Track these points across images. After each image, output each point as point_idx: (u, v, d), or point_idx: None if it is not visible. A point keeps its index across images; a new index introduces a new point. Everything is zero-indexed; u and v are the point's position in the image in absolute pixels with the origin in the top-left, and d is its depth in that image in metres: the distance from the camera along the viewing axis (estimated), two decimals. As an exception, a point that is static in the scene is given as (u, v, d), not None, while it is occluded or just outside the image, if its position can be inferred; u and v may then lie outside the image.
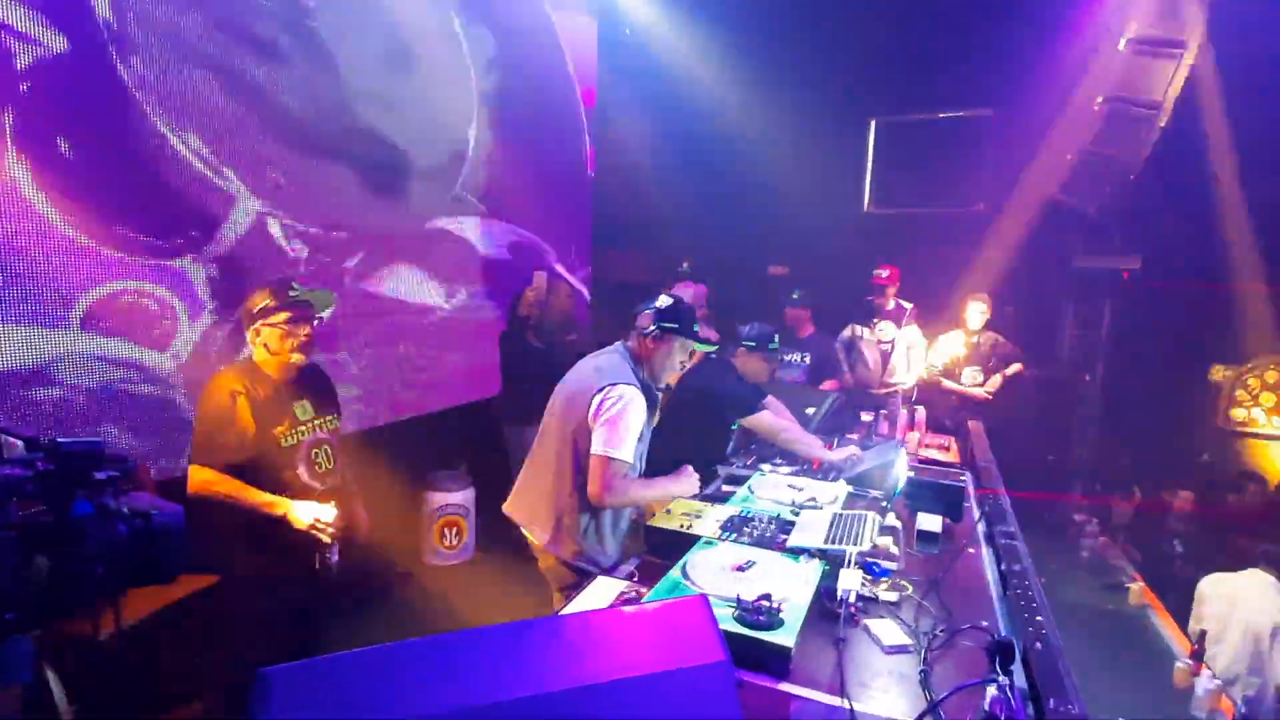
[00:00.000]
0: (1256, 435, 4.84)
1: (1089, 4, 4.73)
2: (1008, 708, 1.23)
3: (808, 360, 4.53)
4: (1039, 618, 1.53)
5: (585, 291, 5.56)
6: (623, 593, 1.73)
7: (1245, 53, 3.98)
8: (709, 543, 1.89)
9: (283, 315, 2.02)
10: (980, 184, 5.77)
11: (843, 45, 5.73)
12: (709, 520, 2.08)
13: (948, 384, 4.71)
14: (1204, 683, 2.82)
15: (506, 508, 2.25)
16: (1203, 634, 2.86)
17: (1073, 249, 5.12)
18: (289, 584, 2.06)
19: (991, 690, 1.25)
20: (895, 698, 1.37)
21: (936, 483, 2.30)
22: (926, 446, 3.45)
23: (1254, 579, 2.88)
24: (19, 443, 0.81)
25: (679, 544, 1.92)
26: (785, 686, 1.38)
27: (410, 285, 3.75)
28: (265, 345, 2.04)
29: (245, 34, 2.71)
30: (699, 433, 2.75)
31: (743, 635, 1.42)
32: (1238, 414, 5.02)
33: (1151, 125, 4.28)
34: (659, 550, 1.99)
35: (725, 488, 2.59)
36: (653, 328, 2.12)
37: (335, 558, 2.11)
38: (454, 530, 3.89)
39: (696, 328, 2.18)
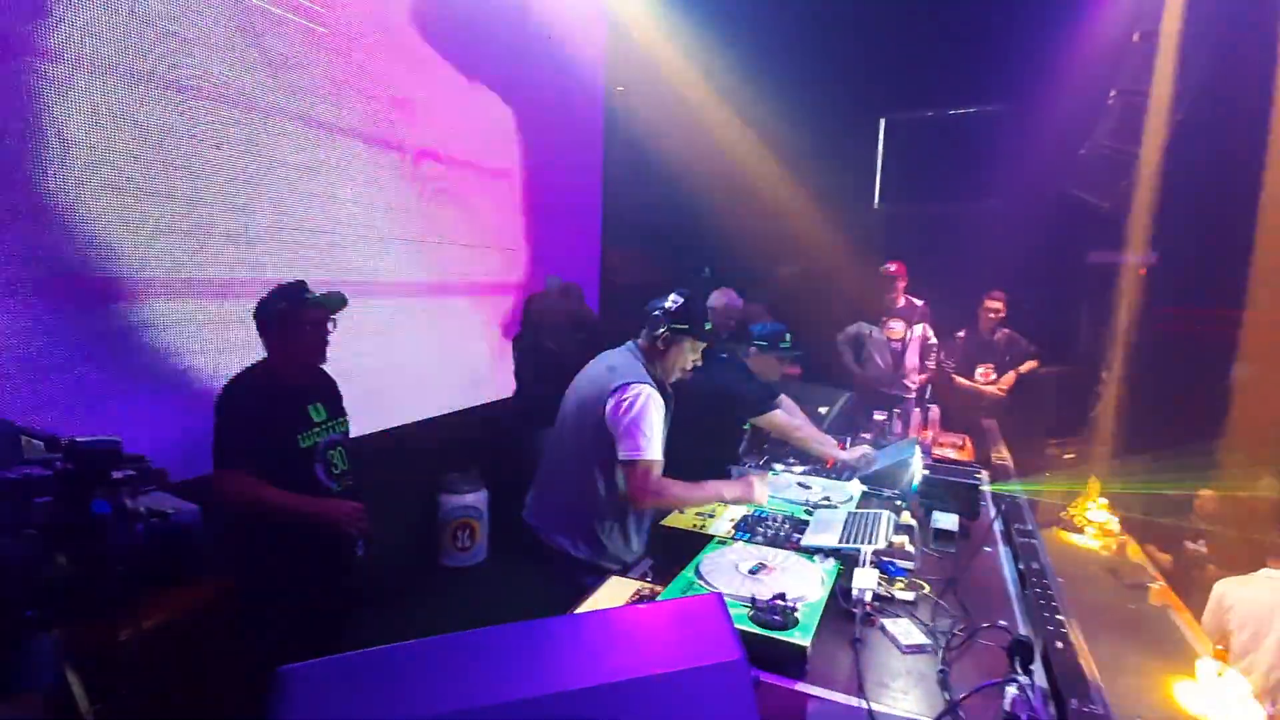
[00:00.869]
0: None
1: (1102, -4, 4.68)
2: (1029, 708, 1.21)
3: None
4: (1059, 616, 1.51)
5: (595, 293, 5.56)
6: (637, 592, 1.72)
7: (1265, 43, 3.91)
8: (722, 542, 1.88)
9: (299, 318, 2.04)
10: (992, 180, 5.71)
11: (852, 41, 5.70)
12: (722, 520, 2.07)
13: (961, 381, 4.66)
14: (1229, 684, 2.76)
15: (526, 513, 2.25)
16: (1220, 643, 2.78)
17: (1087, 244, 5.06)
18: (312, 585, 2.08)
19: (1012, 690, 1.24)
20: (914, 698, 1.35)
21: (952, 480, 2.27)
22: (941, 445, 3.41)
23: (1276, 579, 2.81)
24: (39, 442, 0.81)
25: (692, 544, 1.91)
26: (802, 686, 1.37)
27: (424, 285, 3.77)
28: (281, 348, 2.05)
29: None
30: (711, 432, 2.74)
31: (758, 635, 1.41)
32: (1255, 411, 4.92)
33: (1166, 119, 4.22)
34: (672, 550, 1.98)
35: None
36: (663, 328, 2.12)
37: (362, 551, 2.15)
38: (467, 532, 3.90)
39: (708, 326, 2.17)
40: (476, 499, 3.94)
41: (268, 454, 1.97)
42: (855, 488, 2.43)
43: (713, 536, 1.93)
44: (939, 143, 6.07)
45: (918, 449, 2.48)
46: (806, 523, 2.05)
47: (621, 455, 1.95)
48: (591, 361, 2.24)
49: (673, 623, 1.04)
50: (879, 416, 3.70)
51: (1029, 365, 4.58)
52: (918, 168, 6.11)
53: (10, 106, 1.98)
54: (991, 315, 4.61)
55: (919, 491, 2.27)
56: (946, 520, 2.10)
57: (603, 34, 5.49)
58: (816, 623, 1.47)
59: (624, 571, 1.90)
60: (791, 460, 2.84)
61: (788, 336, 2.89)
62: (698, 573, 1.68)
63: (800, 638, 1.39)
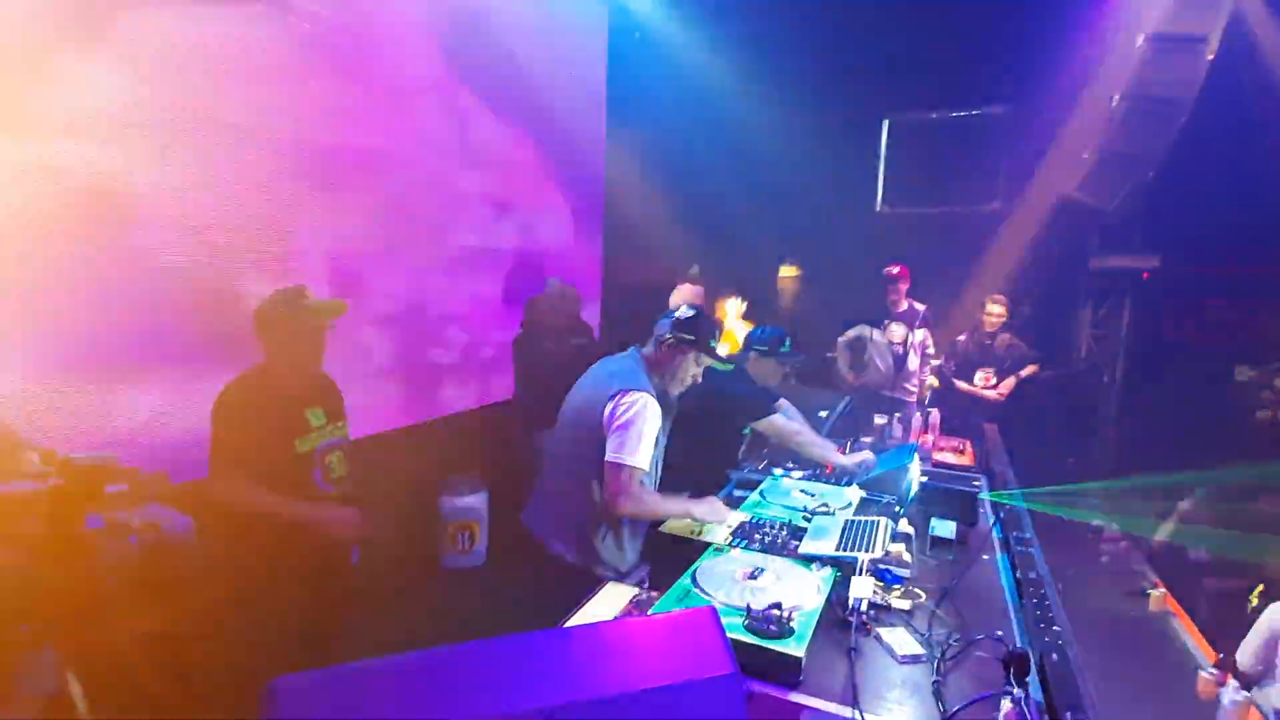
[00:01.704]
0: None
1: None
2: (1024, 719, 1.21)
3: None
4: (1055, 627, 1.50)
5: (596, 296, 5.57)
6: (634, 598, 1.72)
7: (1268, 47, 3.90)
8: (719, 549, 1.88)
9: (299, 322, 2.04)
10: (995, 182, 5.71)
11: (855, 43, 5.69)
12: (719, 526, 2.07)
13: (961, 385, 4.66)
14: (1230, 694, 2.75)
15: (525, 517, 2.25)
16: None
17: (1090, 248, 5.04)
18: (308, 589, 2.08)
19: (1006, 703, 1.24)
20: (909, 709, 1.35)
21: (950, 488, 2.27)
22: (941, 449, 3.41)
23: None
24: (35, 456, 0.82)
25: (689, 550, 1.91)
26: (796, 696, 1.37)
27: (426, 289, 3.78)
28: (281, 352, 2.06)
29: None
30: (711, 437, 2.74)
31: (753, 645, 1.41)
32: (1263, 415, 4.90)
33: (1169, 122, 4.20)
34: (669, 556, 1.98)
35: (737, 492, 2.58)
36: (669, 336, 2.11)
37: (356, 558, 2.16)
38: (467, 534, 3.90)
39: (714, 343, 2.16)
40: (477, 501, 3.94)
41: (264, 458, 1.97)
42: (854, 494, 2.42)
43: (710, 543, 1.93)
44: (942, 145, 6.05)
45: (916, 456, 2.47)
46: (804, 529, 2.05)
47: (608, 457, 1.95)
48: (594, 366, 2.24)
49: (666, 635, 1.04)
50: (879, 420, 3.69)
51: (1029, 369, 4.57)
52: (920, 170, 6.09)
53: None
54: (993, 319, 4.60)
55: (917, 499, 2.26)
56: (944, 528, 2.10)
57: (604, 34, 5.48)
58: (812, 632, 1.48)
59: (621, 578, 1.90)
60: (791, 465, 2.84)
61: (787, 341, 2.89)
62: (694, 580, 1.68)
63: (795, 647, 1.39)
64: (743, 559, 1.82)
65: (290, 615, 2.05)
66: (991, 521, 2.35)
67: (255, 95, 2.72)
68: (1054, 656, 1.40)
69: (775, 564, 1.78)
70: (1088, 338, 5.19)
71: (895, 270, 4.67)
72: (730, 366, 2.88)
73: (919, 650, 1.52)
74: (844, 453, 2.88)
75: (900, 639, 1.56)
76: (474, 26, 4.03)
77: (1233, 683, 2.75)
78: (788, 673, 1.38)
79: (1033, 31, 5.03)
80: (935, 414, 3.81)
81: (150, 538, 0.83)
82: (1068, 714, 1.22)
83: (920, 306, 4.69)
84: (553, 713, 0.91)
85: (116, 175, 2.27)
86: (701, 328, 2.12)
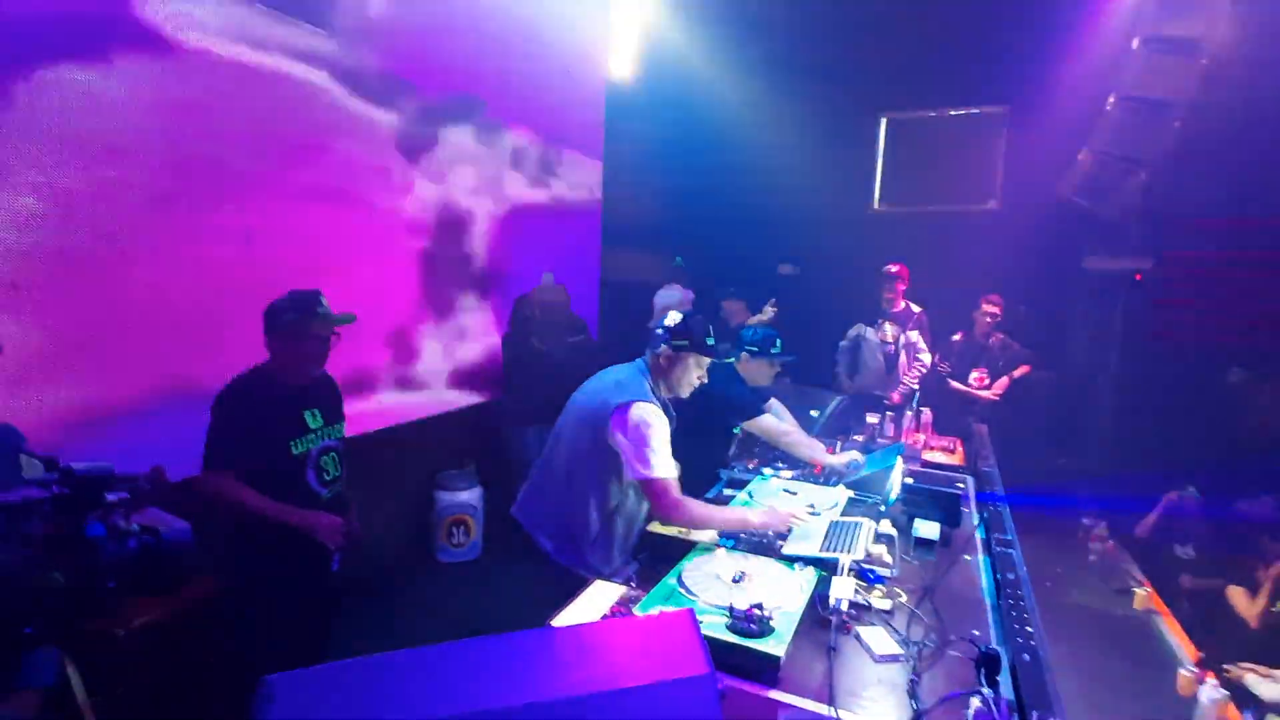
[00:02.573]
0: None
1: (1104, 1, 4.68)
2: (991, 719, 1.25)
3: None
4: (1029, 629, 1.54)
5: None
6: (620, 597, 1.76)
7: (1264, 51, 3.92)
8: (705, 549, 1.92)
9: (309, 330, 2.06)
10: (992, 182, 5.73)
11: (853, 41, 5.70)
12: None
13: (955, 385, 4.69)
14: (1208, 691, 2.80)
15: (515, 510, 2.30)
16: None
17: (1084, 249, 5.07)
18: (299, 585, 2.12)
19: (975, 702, 1.28)
20: (884, 707, 1.39)
21: (934, 489, 2.31)
22: (931, 449, 3.45)
23: None
24: (39, 463, 0.86)
25: (678, 550, 1.96)
26: (775, 694, 1.41)
27: (423, 287, 3.81)
28: (287, 355, 2.08)
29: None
30: (701, 436, 2.77)
31: (734, 644, 1.46)
32: (1254, 418, 4.93)
33: (1165, 125, 4.22)
34: (658, 555, 2.02)
35: (726, 491, 2.62)
36: (664, 347, 2.15)
37: (336, 565, 2.20)
38: (462, 529, 3.96)
39: (710, 341, 2.18)
40: (472, 496, 3.99)
41: (258, 458, 2.00)
42: (841, 494, 2.46)
43: (697, 543, 1.97)
44: (939, 144, 6.07)
45: (900, 458, 2.51)
46: (790, 530, 2.09)
47: (635, 474, 1.97)
48: (599, 373, 2.26)
49: (644, 637, 1.08)
50: (871, 419, 3.73)
51: (1021, 370, 4.60)
52: (918, 169, 6.11)
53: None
54: (987, 319, 4.63)
55: (901, 500, 2.31)
56: (928, 529, 2.14)
57: (604, 32, 5.48)
58: (793, 631, 1.52)
59: (608, 576, 1.94)
60: (780, 465, 2.88)
61: (778, 342, 2.92)
62: (679, 580, 1.72)
63: (774, 647, 1.44)
64: (728, 559, 1.86)
65: (281, 608, 2.09)
66: (975, 522, 2.39)
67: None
68: (1025, 657, 1.44)
69: (760, 564, 1.82)
70: (1081, 338, 5.22)
71: (894, 269, 4.69)
72: (731, 359, 2.92)
73: (897, 650, 1.56)
74: (834, 452, 2.93)
75: (879, 638, 1.60)
76: (474, 21, 4.05)
77: (1211, 680, 2.80)
78: (767, 671, 1.43)
79: (1032, 31, 5.04)
80: (927, 413, 3.85)
81: (149, 542, 0.87)
82: (1035, 714, 1.26)
83: (916, 309, 4.71)
84: (534, 710, 0.95)
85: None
86: (694, 329, 2.15)
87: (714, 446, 2.92)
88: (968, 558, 2.13)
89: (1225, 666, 2.72)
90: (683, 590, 1.66)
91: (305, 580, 2.14)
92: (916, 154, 6.16)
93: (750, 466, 2.88)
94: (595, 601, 1.74)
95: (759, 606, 1.52)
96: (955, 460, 3.30)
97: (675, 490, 1.98)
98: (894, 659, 1.54)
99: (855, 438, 3.51)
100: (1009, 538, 2.08)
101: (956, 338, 4.79)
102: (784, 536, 2.06)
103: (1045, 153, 4.99)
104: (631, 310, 5.10)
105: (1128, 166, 4.34)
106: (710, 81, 5.87)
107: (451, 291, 4.06)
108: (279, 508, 2.00)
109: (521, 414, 4.01)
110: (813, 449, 2.81)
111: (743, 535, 2.06)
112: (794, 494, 2.45)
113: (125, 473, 0.87)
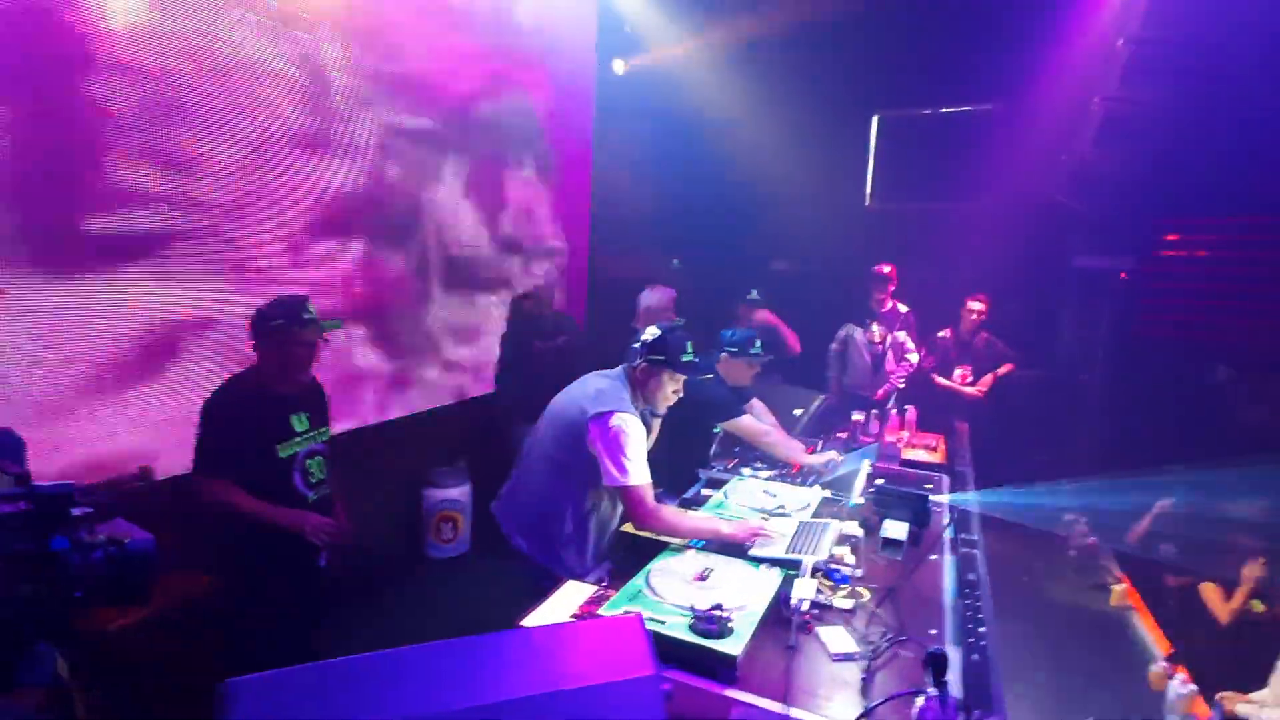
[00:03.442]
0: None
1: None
2: (935, 717, 1.30)
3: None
4: (981, 629, 1.60)
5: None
6: (590, 597, 1.81)
7: (1247, 52, 3.93)
8: (675, 550, 1.97)
9: (297, 336, 2.09)
10: (981, 181, 5.74)
11: (846, 38, 5.70)
12: None
13: (940, 381, 4.73)
14: (1177, 687, 2.86)
15: (494, 508, 2.35)
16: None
17: (1071, 248, 5.10)
18: (287, 583, 2.18)
19: (919, 700, 1.33)
20: (836, 705, 1.45)
21: (903, 490, 2.36)
22: (914, 447, 3.50)
23: None
24: (10, 479, 0.91)
25: (650, 550, 2.01)
26: (731, 692, 1.46)
27: (415, 283, 3.85)
28: (274, 361, 2.11)
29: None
30: (682, 437, 2.82)
31: (694, 644, 1.51)
32: (1240, 416, 4.98)
33: (1148, 125, 4.25)
34: (631, 555, 2.07)
35: (705, 491, 2.66)
36: (640, 362, 2.18)
37: (324, 563, 2.27)
38: (450, 525, 4.02)
39: (686, 358, 2.19)
40: (460, 493, 4.04)
41: (246, 461, 2.05)
42: (814, 494, 2.51)
43: (668, 544, 2.03)
44: (931, 142, 6.07)
45: (866, 462, 2.56)
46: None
47: (611, 481, 2.02)
48: (581, 379, 2.29)
49: (593, 640, 1.13)
50: (857, 417, 3.78)
51: (1006, 368, 4.64)
52: (909, 167, 6.12)
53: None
54: (973, 317, 4.66)
55: (871, 500, 2.36)
56: (896, 529, 2.19)
57: (593, 27, 5.49)
58: (752, 632, 1.57)
59: (580, 576, 1.99)
60: (759, 465, 2.93)
61: (758, 342, 2.97)
62: (646, 580, 1.77)
63: (731, 646, 1.49)
64: (696, 560, 1.91)
65: (268, 606, 2.15)
66: (946, 522, 2.44)
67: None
68: (974, 657, 1.49)
69: (727, 565, 1.87)
70: (1067, 337, 5.27)
71: (886, 270, 4.72)
72: (710, 375, 2.96)
73: (853, 649, 1.61)
74: (814, 452, 2.98)
75: (837, 638, 1.65)
76: (462, 17, 4.06)
77: (1180, 675, 2.86)
78: (724, 670, 1.48)
79: (1023, 29, 5.04)
80: (912, 411, 3.90)
81: (113, 552, 0.92)
82: (976, 711, 1.31)
83: (904, 309, 4.75)
84: (480, 713, 1.00)
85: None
86: (669, 346, 2.16)
87: (695, 446, 2.96)
88: (934, 557, 2.18)
89: (1220, 696, 2.72)
90: (648, 591, 1.71)
91: (293, 579, 2.19)
92: (909, 152, 6.17)
93: (729, 466, 2.93)
94: (566, 601, 1.79)
95: (719, 607, 1.57)
96: (937, 458, 3.35)
97: (649, 498, 2.03)
98: (849, 658, 1.59)
99: (839, 435, 3.56)
100: (974, 538, 2.13)
101: (944, 334, 4.83)
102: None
103: (1033, 151, 5.01)
104: (623, 310, 5.14)
105: (1111, 167, 4.36)
106: (702, 80, 5.88)
107: (440, 287, 4.09)
108: (269, 509, 2.06)
109: (515, 412, 4.03)
110: (791, 449, 2.86)
111: (713, 539, 2.11)
112: (770, 494, 2.50)
113: (87, 487, 0.92)
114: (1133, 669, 3.12)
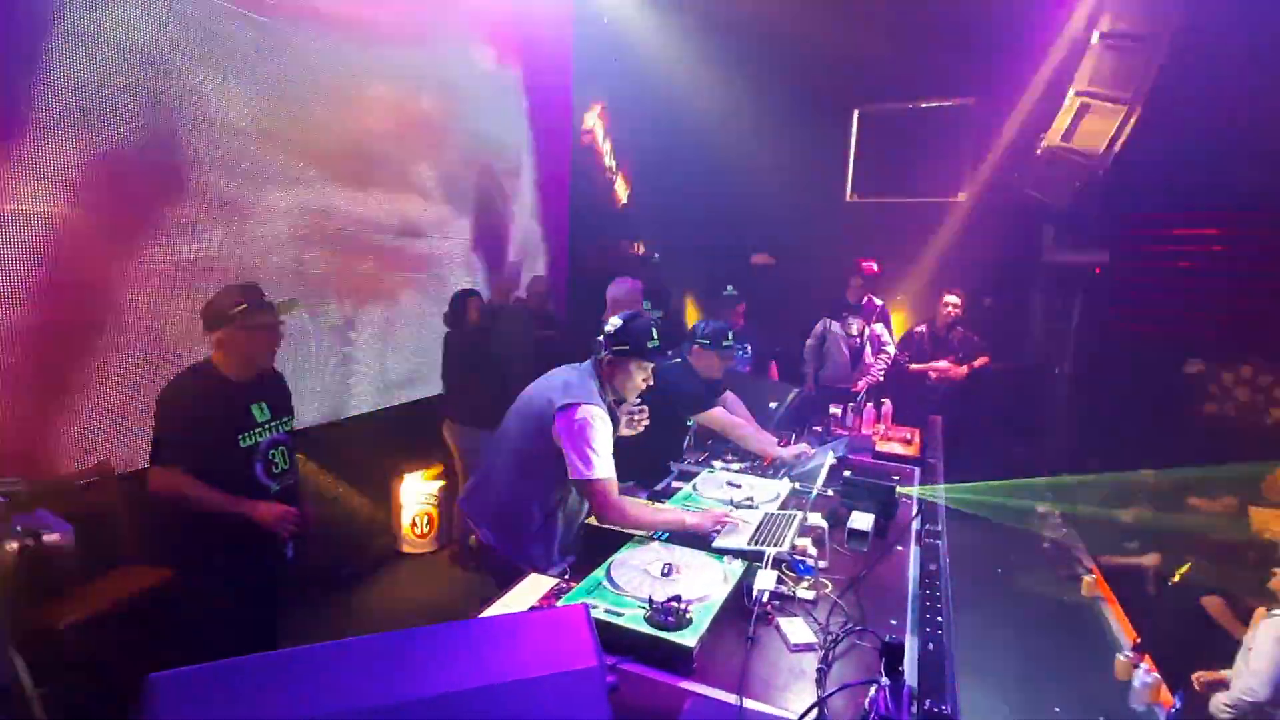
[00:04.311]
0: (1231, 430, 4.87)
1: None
2: (885, 707, 1.30)
3: (749, 350, 4.69)
4: (939, 618, 1.60)
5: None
6: (552, 589, 1.80)
7: (1218, 47, 3.97)
8: (639, 542, 1.96)
9: (255, 320, 2.06)
10: (960, 174, 5.77)
11: (827, 32, 5.69)
12: None
13: (915, 367, 4.74)
14: (1141, 676, 2.90)
15: (461, 502, 2.32)
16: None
17: (1044, 242, 5.15)
18: (248, 576, 2.14)
19: (872, 690, 1.33)
20: (791, 695, 1.44)
21: (870, 482, 2.36)
22: (888, 439, 3.51)
23: None
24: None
25: (614, 542, 1.99)
26: (686, 684, 1.45)
27: (395, 278, 3.81)
28: (232, 348, 2.07)
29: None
30: (654, 429, 2.80)
31: (650, 635, 1.49)
32: (1211, 408, 5.05)
33: (1121, 120, 4.28)
34: (594, 547, 2.05)
35: (675, 484, 2.65)
36: (605, 354, 2.15)
37: (290, 553, 2.22)
38: (425, 519, 3.98)
39: (651, 344, 2.15)
40: (435, 488, 4.01)
41: (205, 452, 2.01)
42: (782, 486, 2.51)
43: (632, 536, 2.01)
44: (911, 136, 6.09)
45: (831, 454, 2.56)
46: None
47: (574, 475, 2.00)
48: (549, 373, 2.26)
49: (538, 632, 1.11)
50: (834, 410, 3.78)
51: (981, 360, 4.68)
52: (890, 161, 6.14)
53: None
54: (947, 310, 4.69)
55: (839, 491, 2.36)
56: (861, 520, 2.19)
57: (571, 20, 5.45)
58: (709, 623, 1.56)
59: (544, 569, 1.97)
60: (730, 457, 2.92)
61: (730, 334, 2.96)
62: (607, 573, 1.75)
63: (687, 638, 1.47)
64: (659, 552, 1.90)
65: (229, 601, 2.11)
66: (914, 513, 2.45)
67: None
68: (930, 646, 1.49)
69: (688, 557, 1.86)
70: (1041, 331, 5.32)
71: (875, 268, 4.74)
72: (678, 361, 2.95)
73: (811, 639, 1.61)
74: (787, 444, 2.97)
75: (797, 628, 1.64)
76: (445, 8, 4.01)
77: (1145, 664, 2.90)
78: (680, 662, 1.47)
79: (1004, 25, 5.06)
80: (888, 404, 3.91)
81: (28, 544, 0.89)
82: (927, 701, 1.31)
83: (879, 301, 4.77)
84: (420, 703, 0.98)
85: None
86: (633, 334, 2.14)
87: (667, 439, 2.95)
88: (899, 549, 2.18)
89: (1195, 676, 2.72)
90: (607, 584, 1.69)
91: (254, 571, 2.16)
92: (889, 146, 6.19)
93: (701, 459, 2.92)
94: (527, 594, 1.78)
95: (677, 599, 1.55)
96: (912, 451, 3.37)
97: (613, 492, 2.01)
98: (808, 648, 1.58)
99: (815, 428, 3.56)
100: (938, 529, 2.14)
101: (920, 329, 4.85)
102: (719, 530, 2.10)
103: (1009, 146, 5.04)
104: (601, 304, 5.11)
105: (1083, 162, 4.39)
106: (681, 73, 5.85)
107: (421, 284, 4.05)
108: (228, 499, 2.01)
109: (459, 412, 3.93)
110: (762, 442, 2.86)
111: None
112: (738, 486, 2.49)
113: (5, 479, 0.89)
114: (1101, 658, 3.16)
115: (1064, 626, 3.50)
